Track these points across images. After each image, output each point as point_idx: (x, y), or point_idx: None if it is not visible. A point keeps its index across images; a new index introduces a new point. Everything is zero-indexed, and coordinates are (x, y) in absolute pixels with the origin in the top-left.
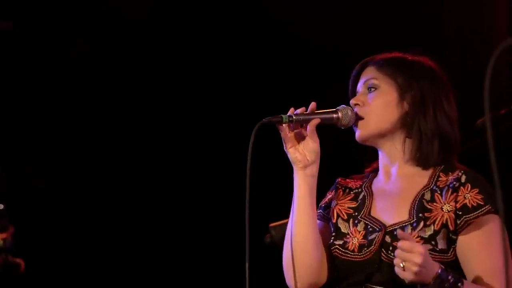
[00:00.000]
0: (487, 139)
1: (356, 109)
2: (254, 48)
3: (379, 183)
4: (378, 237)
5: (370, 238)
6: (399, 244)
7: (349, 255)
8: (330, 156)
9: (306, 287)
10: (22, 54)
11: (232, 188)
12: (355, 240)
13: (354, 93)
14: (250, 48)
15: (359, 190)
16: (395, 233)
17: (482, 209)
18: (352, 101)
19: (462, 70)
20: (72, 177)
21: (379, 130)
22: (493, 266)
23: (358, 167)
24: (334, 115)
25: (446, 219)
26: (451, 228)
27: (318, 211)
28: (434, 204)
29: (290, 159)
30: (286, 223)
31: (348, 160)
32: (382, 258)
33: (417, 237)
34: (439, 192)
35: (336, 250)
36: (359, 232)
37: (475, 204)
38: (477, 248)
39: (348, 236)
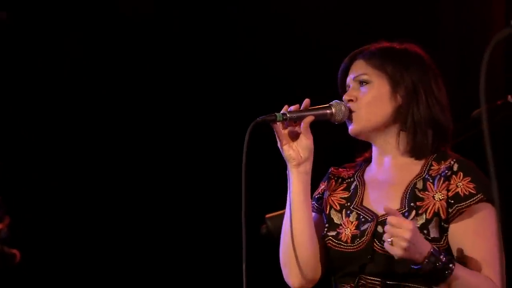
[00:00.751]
0: (483, 130)
1: (349, 105)
2: (249, 45)
3: (372, 172)
4: (370, 227)
5: (362, 228)
6: (388, 219)
7: (343, 246)
8: (321, 149)
9: (304, 282)
10: (19, 49)
11: (227, 182)
12: (347, 231)
13: (343, 87)
14: (245, 46)
15: (351, 179)
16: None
17: (474, 198)
18: (345, 97)
19: (459, 61)
20: (68, 168)
21: (373, 124)
22: (485, 254)
23: (350, 159)
24: (328, 111)
25: (438, 207)
26: (442, 216)
27: (312, 203)
28: (426, 193)
29: (284, 157)
30: (282, 214)
31: (339, 152)
32: (375, 248)
33: None
34: (431, 180)
35: (330, 241)
36: (352, 222)
37: (467, 193)
38: (469, 236)
39: (341, 227)
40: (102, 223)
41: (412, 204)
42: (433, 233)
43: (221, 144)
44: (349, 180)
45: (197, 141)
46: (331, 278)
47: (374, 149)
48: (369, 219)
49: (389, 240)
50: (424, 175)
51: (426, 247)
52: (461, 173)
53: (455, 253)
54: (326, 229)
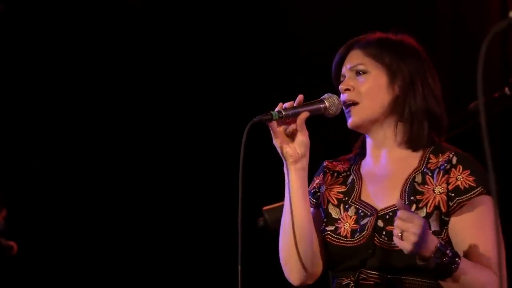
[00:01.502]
0: (481, 122)
1: (346, 94)
2: (245, 44)
3: (368, 166)
4: (370, 221)
5: (362, 223)
6: (399, 213)
7: (342, 241)
8: (315, 142)
9: (305, 279)
10: (16, 40)
11: (223, 178)
12: (346, 226)
13: (338, 78)
14: (241, 44)
15: (348, 173)
16: (387, 217)
17: (475, 191)
18: (341, 86)
19: (455, 54)
20: (65, 161)
21: (372, 115)
22: (486, 246)
23: (338, 152)
24: (322, 105)
25: (438, 201)
26: (443, 210)
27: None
28: (426, 186)
29: (281, 154)
30: (279, 207)
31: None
32: (376, 243)
33: None
34: (430, 174)
35: (328, 236)
36: (351, 217)
37: (467, 186)
38: (470, 229)
39: (339, 221)
40: (100, 212)
41: (412, 198)
42: (434, 226)
43: (217, 140)
44: (345, 174)
45: (193, 137)
46: (328, 272)
47: (369, 142)
48: (369, 213)
49: (399, 234)
50: (422, 169)
51: (433, 242)
52: (460, 166)
53: (455, 246)
54: (324, 224)
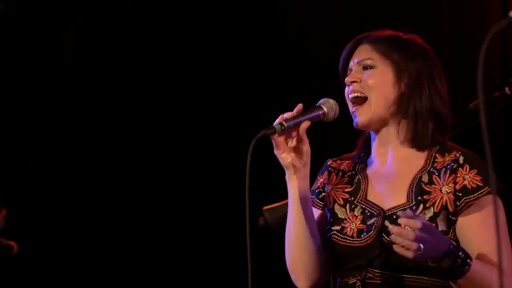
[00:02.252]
0: (481, 122)
1: (351, 86)
2: (245, 44)
3: (374, 165)
4: (377, 221)
5: (368, 223)
6: (393, 231)
7: (348, 241)
8: (315, 142)
9: (313, 285)
10: (16, 39)
11: (224, 179)
12: (353, 225)
13: (345, 72)
14: (241, 45)
15: (353, 173)
16: (394, 217)
17: (482, 190)
18: (348, 79)
19: (455, 54)
20: (65, 160)
21: (378, 113)
22: (493, 246)
23: (336, 152)
24: (321, 112)
25: (446, 200)
26: (450, 209)
27: (311, 197)
28: (433, 186)
29: (283, 164)
30: (280, 206)
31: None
32: (383, 242)
33: None
34: (436, 173)
35: (335, 236)
36: (357, 217)
37: (474, 186)
38: (478, 229)
39: (345, 221)
40: (100, 210)
41: (419, 197)
42: (441, 226)
43: (217, 139)
44: (350, 173)
45: (197, 139)
46: (334, 272)
47: (374, 139)
48: (375, 213)
49: (401, 246)
50: (428, 168)
51: (444, 245)
52: (467, 166)
53: (462, 245)
54: (330, 224)
